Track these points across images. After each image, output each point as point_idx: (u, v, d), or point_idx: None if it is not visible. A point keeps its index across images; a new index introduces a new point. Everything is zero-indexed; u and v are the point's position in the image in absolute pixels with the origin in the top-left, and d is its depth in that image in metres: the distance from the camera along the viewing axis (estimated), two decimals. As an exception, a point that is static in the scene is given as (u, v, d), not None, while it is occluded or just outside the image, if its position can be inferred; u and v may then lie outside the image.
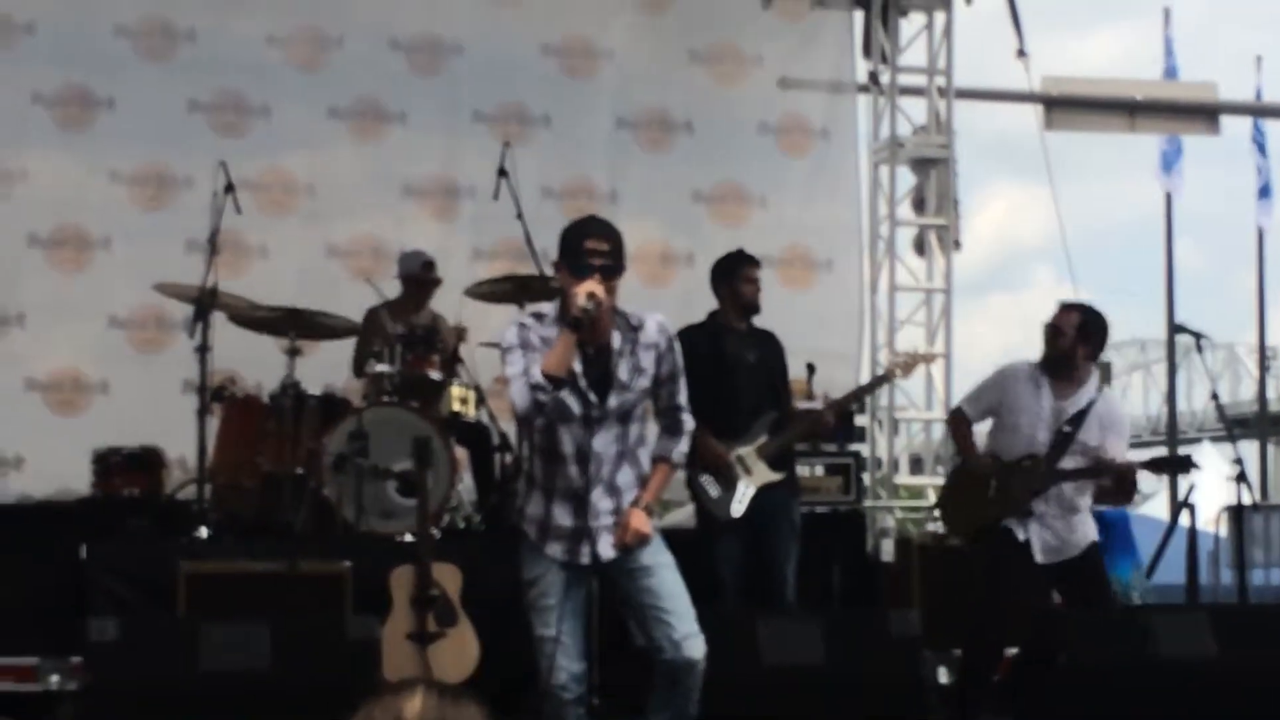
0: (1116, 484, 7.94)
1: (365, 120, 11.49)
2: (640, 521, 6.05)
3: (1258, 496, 23.50)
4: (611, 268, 5.97)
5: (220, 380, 9.30)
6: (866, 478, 10.94)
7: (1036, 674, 7.56)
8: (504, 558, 8.47)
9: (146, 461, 9.26)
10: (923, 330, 11.88)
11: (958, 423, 8.33)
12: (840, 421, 9.40)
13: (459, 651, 7.45)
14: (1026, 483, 7.85)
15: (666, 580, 6.08)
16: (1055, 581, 7.98)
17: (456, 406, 9.39)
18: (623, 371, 6.02)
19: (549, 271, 9.15)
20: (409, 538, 8.27)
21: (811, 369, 9.75)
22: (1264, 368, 32.93)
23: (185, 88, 11.17)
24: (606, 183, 11.67)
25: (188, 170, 10.85)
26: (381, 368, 9.11)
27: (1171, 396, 29.01)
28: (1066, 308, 8.18)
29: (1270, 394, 36.37)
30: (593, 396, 5.97)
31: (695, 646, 6.00)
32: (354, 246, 11.38)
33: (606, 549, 6.04)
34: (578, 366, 5.96)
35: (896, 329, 11.79)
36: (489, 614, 7.62)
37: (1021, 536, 7.83)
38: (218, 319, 9.13)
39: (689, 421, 6.23)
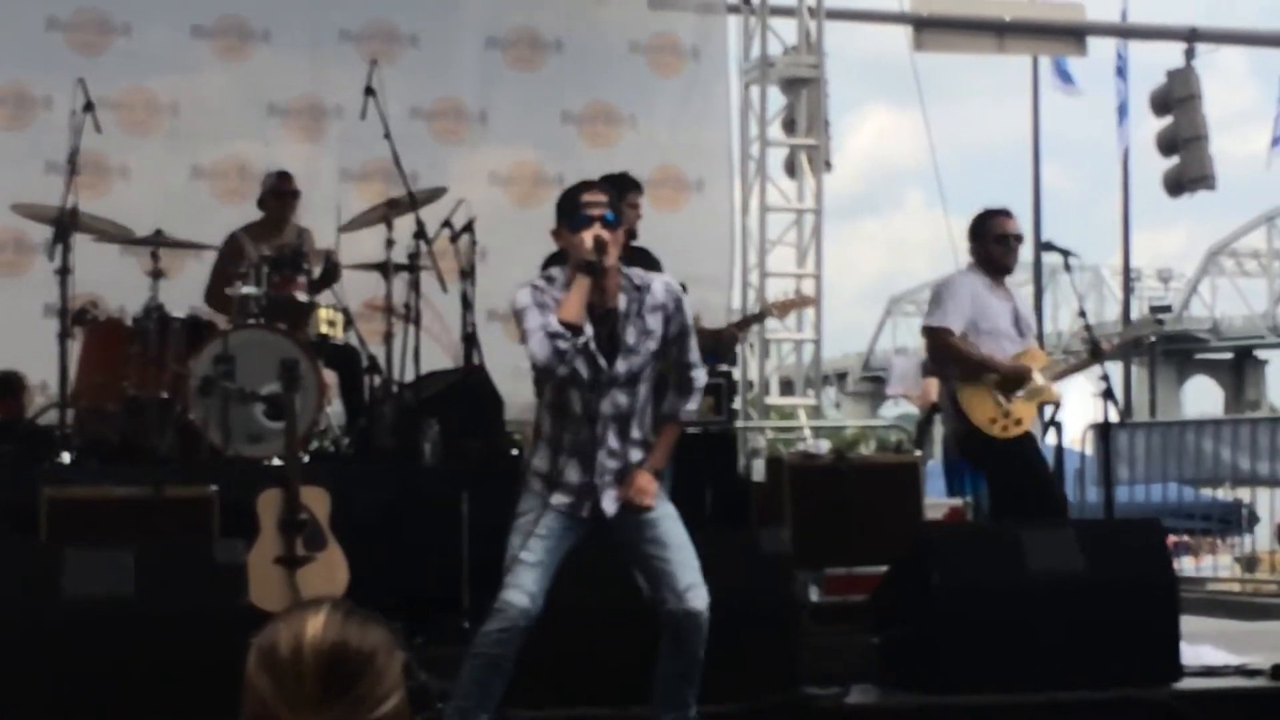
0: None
1: (229, 39, 11.34)
2: (646, 483, 6.04)
3: (1122, 414, 23.91)
4: (614, 217, 5.99)
5: (82, 303, 9.13)
6: (737, 398, 10.96)
7: (907, 591, 7.61)
8: (372, 481, 8.50)
9: (7, 386, 9.11)
10: (793, 251, 11.91)
11: (947, 336, 8.24)
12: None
13: (327, 575, 7.38)
14: (1050, 372, 8.29)
15: (670, 531, 6.08)
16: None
17: (324, 329, 9.28)
18: (630, 335, 6.01)
19: (417, 190, 9.12)
20: (277, 461, 8.19)
21: (683, 289, 9.73)
22: (1128, 289, 33.45)
23: (44, 5, 11.00)
24: (476, 103, 11.58)
25: (46, 90, 10.67)
26: (247, 290, 8.97)
27: (1038, 317, 29.38)
28: (1009, 214, 8.42)
29: (1134, 315, 36.93)
30: (601, 360, 5.95)
31: (698, 597, 5.99)
32: (219, 168, 11.23)
33: (609, 504, 6.04)
34: (588, 329, 5.94)
35: (767, 250, 11.81)
36: (357, 538, 7.57)
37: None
38: (79, 241, 8.96)
39: (700, 378, 6.23)
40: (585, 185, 6.17)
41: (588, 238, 5.91)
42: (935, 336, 8.34)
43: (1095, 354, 8.47)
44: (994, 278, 8.32)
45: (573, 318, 5.89)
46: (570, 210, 6.05)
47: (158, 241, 9.02)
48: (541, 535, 5.98)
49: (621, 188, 8.46)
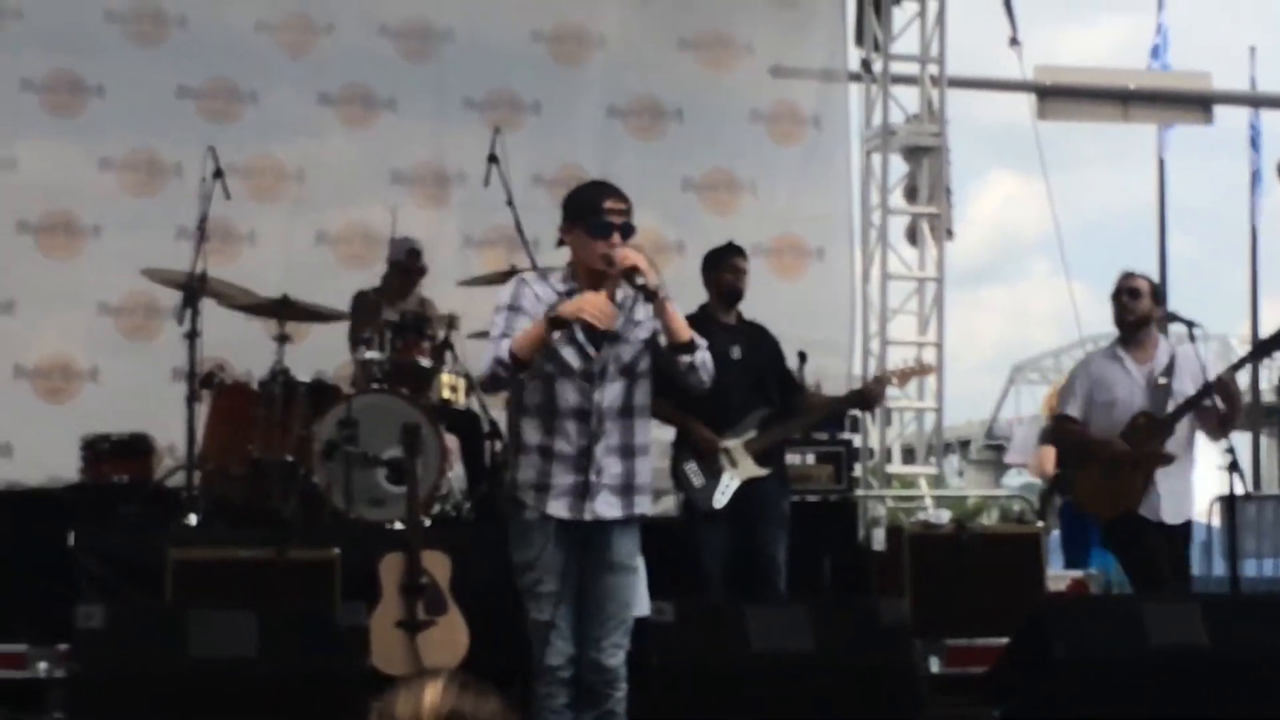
0: (1225, 400, 8.22)
1: (355, 107, 11.47)
2: (640, 258, 5.89)
3: (1250, 486, 23.54)
4: (630, 227, 5.99)
5: (209, 367, 9.26)
6: (858, 467, 10.92)
7: (1027, 666, 7.54)
8: (494, 546, 8.52)
9: (135, 448, 9.22)
10: (914, 319, 11.86)
11: (1065, 424, 8.52)
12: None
13: (448, 639, 7.42)
14: (1153, 436, 8.18)
15: (623, 586, 6.09)
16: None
17: (446, 394, 9.36)
18: (618, 323, 6.00)
19: (541, 261, 9.17)
20: (399, 525, 8.26)
21: (803, 357, 9.72)
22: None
23: (175, 74, 11.14)
24: (597, 170, 11.59)
25: (177, 157, 10.83)
26: (371, 354, 9.08)
27: (1164, 387, 28.99)
28: (1131, 274, 8.49)
29: (1262, 385, 36.43)
30: (590, 350, 5.95)
31: (613, 655, 6.04)
32: (344, 233, 11.35)
33: (606, 508, 6.01)
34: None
35: (889, 318, 11.78)
36: (478, 602, 7.60)
37: (1150, 516, 8.16)
38: (207, 305, 9.09)
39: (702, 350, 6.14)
40: (606, 189, 6.10)
41: (627, 257, 5.82)
42: (1053, 425, 8.77)
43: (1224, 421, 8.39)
44: (1126, 343, 8.45)
45: (521, 353, 5.86)
46: (589, 213, 6.00)
47: (284, 313, 9.14)
48: (549, 593, 5.97)
49: (720, 256, 8.56)
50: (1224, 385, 8.20)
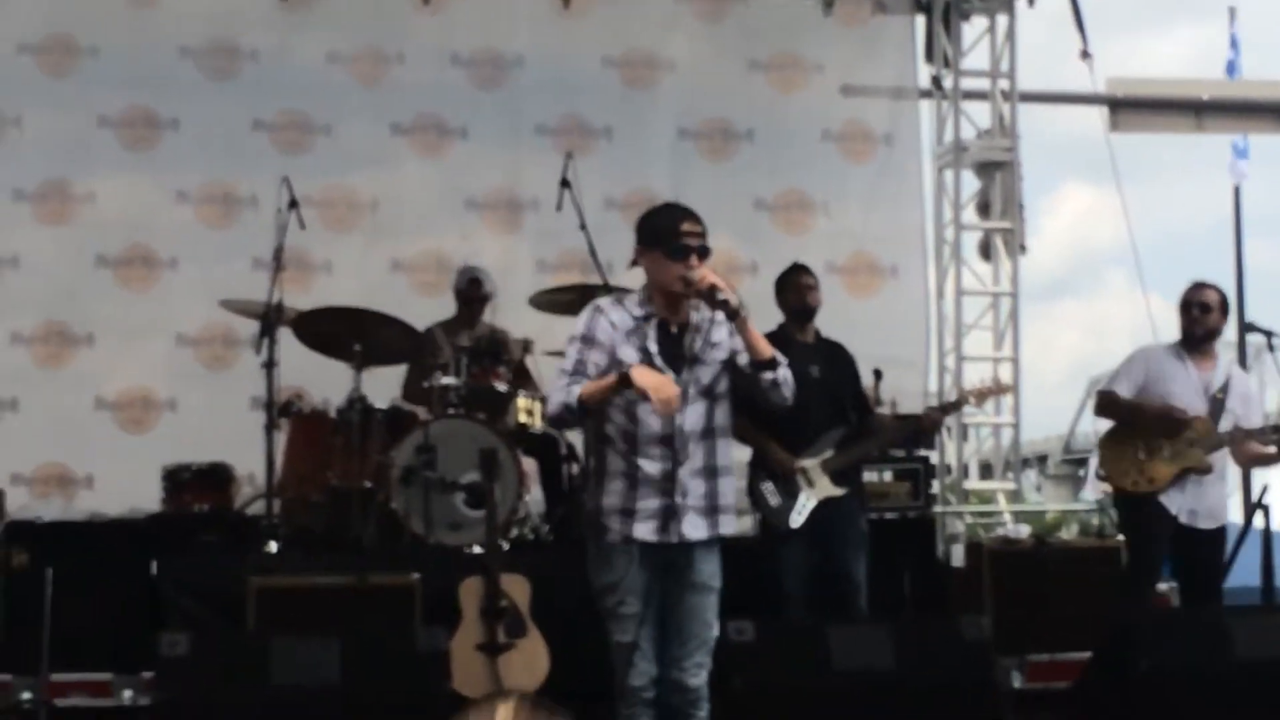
0: None
1: (427, 135, 11.56)
2: (717, 279, 5.97)
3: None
4: (707, 249, 6.02)
5: (287, 396, 9.31)
6: (935, 483, 10.88)
7: (1110, 680, 7.49)
8: (573, 568, 8.54)
9: (216, 478, 9.30)
10: (990, 335, 11.82)
11: (1112, 399, 8.44)
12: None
13: (529, 662, 7.44)
14: (1204, 442, 8.22)
15: (706, 607, 6.11)
16: (1179, 551, 8.36)
17: (523, 418, 9.38)
18: (696, 345, 6.04)
19: (614, 281, 9.20)
20: (478, 549, 8.29)
21: (878, 375, 9.70)
22: (1337, 369, 32.65)
23: (249, 107, 11.28)
24: (669, 193, 11.58)
25: (252, 189, 10.94)
26: (447, 380, 9.12)
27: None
28: (1203, 285, 8.44)
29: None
30: (669, 373, 5.98)
31: (695, 674, 6.06)
32: (418, 261, 11.43)
33: (692, 529, 6.02)
34: (653, 346, 6.02)
35: (963, 334, 11.74)
36: (558, 624, 7.61)
37: (1173, 509, 8.23)
38: (284, 335, 9.16)
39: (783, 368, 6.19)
40: (682, 212, 6.13)
41: (708, 279, 5.91)
42: (1099, 399, 8.61)
43: None
44: (1190, 349, 8.41)
45: (589, 402, 5.94)
46: (667, 236, 6.03)
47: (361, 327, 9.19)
48: (631, 615, 6.00)
49: (786, 276, 8.55)
50: None
